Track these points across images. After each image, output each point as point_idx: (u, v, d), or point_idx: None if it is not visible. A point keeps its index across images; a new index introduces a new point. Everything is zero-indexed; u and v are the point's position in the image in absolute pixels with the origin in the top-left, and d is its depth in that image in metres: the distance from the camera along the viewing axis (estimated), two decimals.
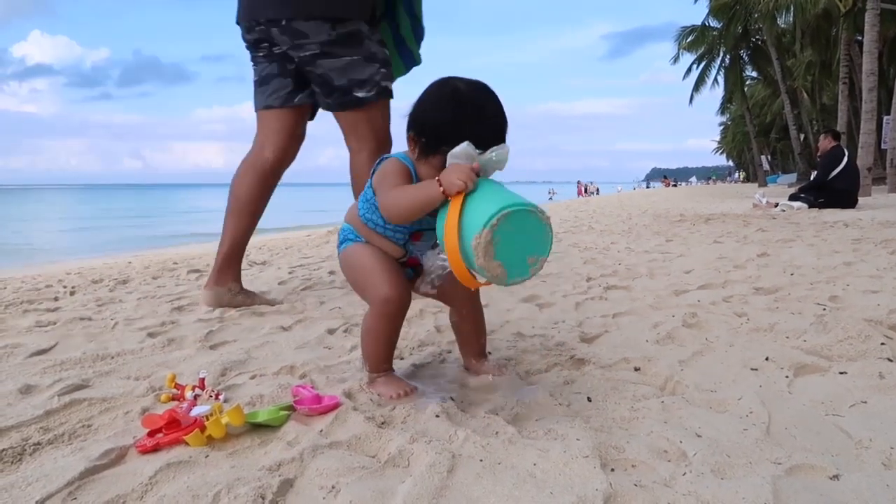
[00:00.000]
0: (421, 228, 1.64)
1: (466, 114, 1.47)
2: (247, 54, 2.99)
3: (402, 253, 1.68)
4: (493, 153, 1.44)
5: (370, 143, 2.82)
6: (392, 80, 2.91)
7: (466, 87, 1.51)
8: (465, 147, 1.42)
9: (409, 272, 1.73)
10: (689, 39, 35.60)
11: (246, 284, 3.76)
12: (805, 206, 9.27)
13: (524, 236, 1.33)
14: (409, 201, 1.47)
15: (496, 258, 1.30)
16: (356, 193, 3.04)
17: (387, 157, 1.63)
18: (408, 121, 1.56)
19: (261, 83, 2.90)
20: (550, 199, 43.05)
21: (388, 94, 2.84)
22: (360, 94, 2.73)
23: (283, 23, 2.67)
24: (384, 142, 2.86)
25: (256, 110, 2.97)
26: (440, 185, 1.40)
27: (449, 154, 1.44)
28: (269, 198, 3.02)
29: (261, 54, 2.86)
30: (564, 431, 1.34)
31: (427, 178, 1.52)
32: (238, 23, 2.89)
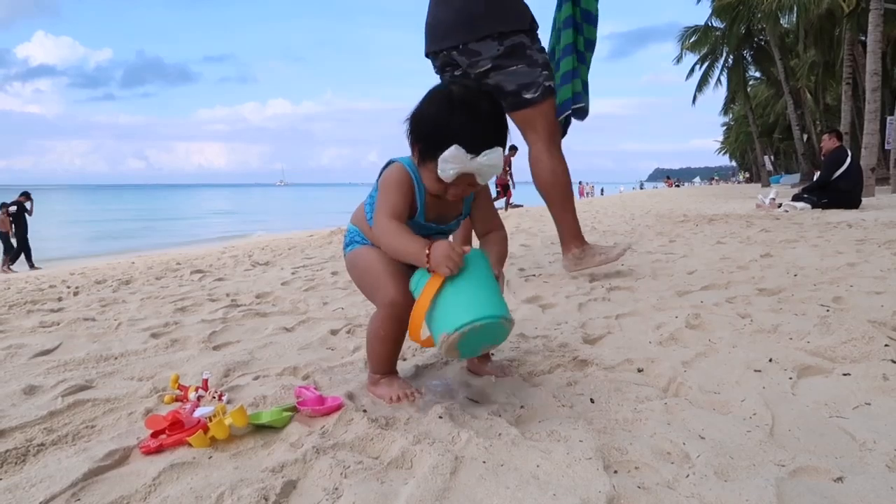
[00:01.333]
0: (429, 234, 1.64)
1: (458, 116, 1.46)
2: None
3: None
4: (484, 156, 1.45)
5: (543, 134, 3.33)
6: (553, 79, 3.35)
7: (460, 89, 1.51)
8: (453, 151, 1.43)
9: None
10: (691, 40, 35.52)
11: (249, 285, 3.77)
12: (808, 206, 9.25)
13: (486, 335, 1.43)
14: (396, 247, 1.50)
15: (457, 348, 1.41)
16: (537, 183, 3.41)
17: (393, 162, 1.62)
18: (409, 127, 1.56)
19: None
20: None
21: (552, 92, 3.32)
22: (528, 96, 3.22)
23: (461, 46, 3.22)
24: (554, 132, 3.36)
25: None
26: (427, 259, 1.42)
27: (440, 159, 1.44)
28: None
29: (447, 76, 3.42)
30: (567, 433, 1.34)
31: (428, 182, 1.54)
32: (427, 55, 3.45)
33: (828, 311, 2.34)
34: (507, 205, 17.51)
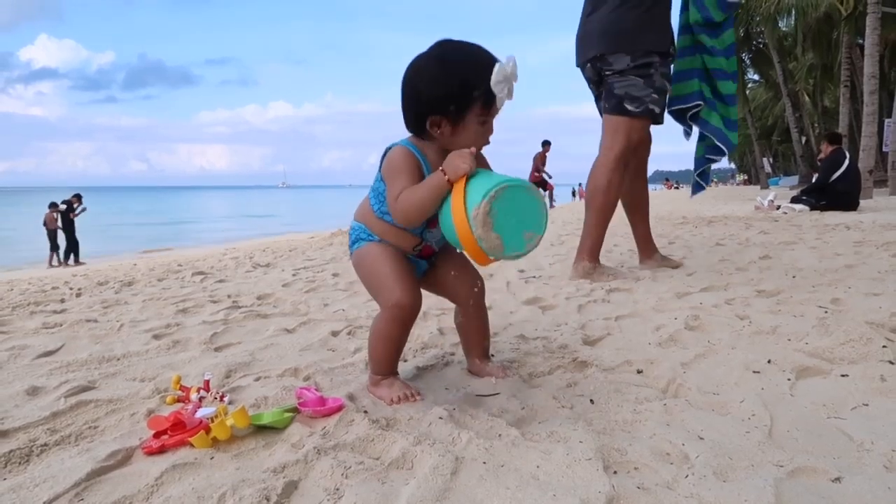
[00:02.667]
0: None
1: (469, 54, 1.50)
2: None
3: (418, 241, 1.67)
4: (509, 63, 1.47)
5: (619, 146, 3.48)
6: (663, 108, 3.56)
7: (441, 47, 1.53)
8: (500, 66, 1.44)
9: (423, 265, 1.74)
10: None
11: (249, 287, 3.78)
12: (807, 208, 9.26)
13: (520, 212, 1.41)
14: (419, 200, 1.49)
15: (494, 230, 1.37)
16: (588, 185, 3.59)
17: (393, 146, 1.61)
18: (419, 111, 1.53)
19: (598, 104, 3.73)
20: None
21: (652, 115, 3.50)
22: (629, 107, 3.44)
23: (599, 55, 3.50)
24: (629, 150, 3.51)
25: (604, 114, 3.65)
26: (444, 174, 1.44)
27: (493, 83, 1.44)
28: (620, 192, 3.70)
29: (591, 85, 3.73)
30: (567, 434, 1.35)
31: (471, 137, 1.53)
32: (577, 66, 3.75)
33: (826, 312, 2.35)
34: (551, 200, 17.44)
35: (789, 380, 1.67)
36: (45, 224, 14.68)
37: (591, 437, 1.32)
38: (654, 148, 3.93)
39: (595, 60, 3.54)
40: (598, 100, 3.74)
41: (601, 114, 3.68)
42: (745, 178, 69.41)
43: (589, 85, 3.78)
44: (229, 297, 3.45)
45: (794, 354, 1.87)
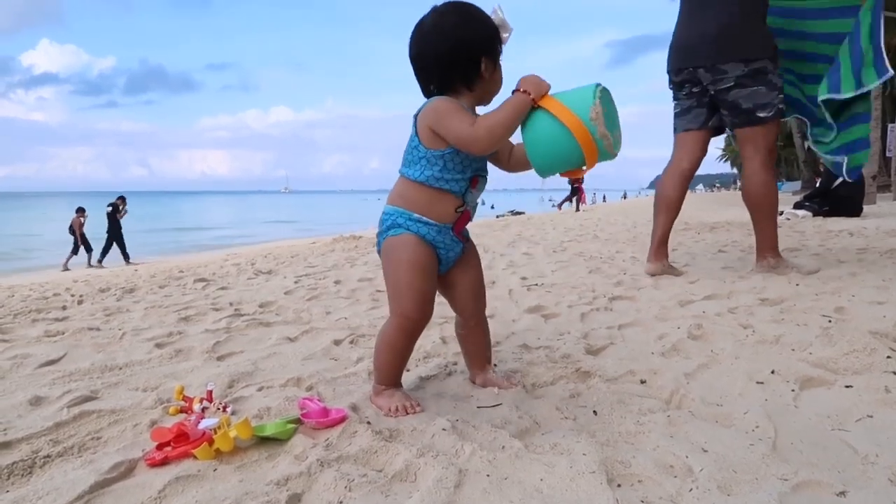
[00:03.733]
0: (477, 173, 1.64)
1: (471, 14, 1.60)
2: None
3: (461, 203, 1.64)
4: (497, 8, 1.60)
5: (763, 151, 3.59)
6: (783, 102, 3.62)
7: (451, 5, 1.61)
8: (496, 17, 1.59)
9: (457, 250, 1.72)
10: None
11: (252, 294, 3.78)
12: (809, 214, 9.25)
13: (612, 111, 1.52)
14: (504, 119, 1.50)
15: (608, 128, 1.46)
16: (748, 195, 3.68)
17: (423, 107, 1.59)
18: (471, 55, 1.57)
19: (682, 113, 3.82)
20: (554, 206, 43.10)
21: (782, 114, 3.66)
22: (761, 115, 3.50)
23: (710, 65, 3.53)
24: (772, 151, 3.63)
25: (676, 133, 3.87)
26: (527, 94, 1.49)
27: (499, 25, 1.59)
28: (684, 197, 3.96)
29: (683, 93, 3.77)
30: (571, 446, 1.34)
31: (500, 82, 1.64)
32: (668, 71, 3.82)
33: (830, 321, 2.34)
34: (570, 205, 17.31)
35: (793, 391, 1.67)
36: (71, 228, 14.92)
37: (594, 450, 1.32)
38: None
39: (700, 68, 3.58)
40: (685, 111, 3.79)
41: (681, 127, 3.81)
42: None
43: (678, 92, 3.81)
44: (231, 304, 3.45)
45: (798, 365, 1.86)
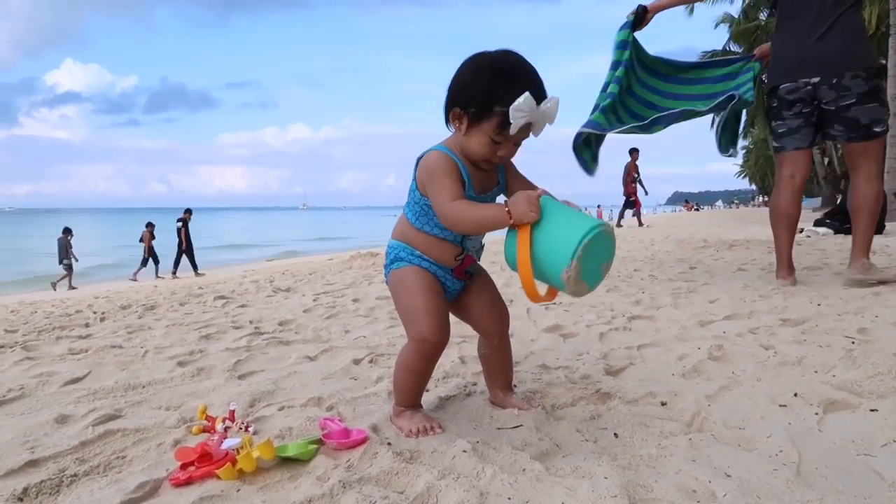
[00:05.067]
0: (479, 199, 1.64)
1: (514, 73, 1.51)
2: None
3: (460, 251, 1.68)
4: (547, 104, 1.49)
5: (876, 163, 3.80)
6: None
7: (501, 54, 1.56)
8: (527, 97, 1.45)
9: (458, 286, 1.74)
10: None
11: (271, 312, 3.81)
12: (831, 232, 9.14)
13: (598, 251, 1.45)
14: (475, 221, 1.51)
15: (582, 279, 1.42)
16: (859, 201, 3.78)
17: (428, 151, 1.61)
18: (449, 99, 1.57)
19: (791, 132, 3.89)
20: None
21: (888, 129, 3.83)
22: (877, 129, 3.68)
23: (835, 81, 3.63)
24: (882, 162, 3.92)
25: (785, 151, 3.95)
26: (509, 216, 1.44)
27: (512, 108, 1.45)
28: (800, 209, 4.11)
29: (792, 112, 3.85)
30: (592, 469, 1.34)
31: (478, 147, 1.55)
32: (779, 85, 3.86)
33: (853, 343, 2.32)
34: (622, 216, 16.56)
35: (817, 414, 1.65)
36: (141, 241, 16.12)
37: (616, 473, 1.31)
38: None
39: (825, 86, 3.67)
40: (793, 130, 3.87)
41: (790, 146, 3.90)
42: (766, 199, 68.77)
43: (786, 111, 3.87)
44: (251, 322, 3.48)
45: (822, 387, 1.84)
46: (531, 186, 1.68)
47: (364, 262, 8.31)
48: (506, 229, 1.49)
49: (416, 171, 1.64)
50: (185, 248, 15.87)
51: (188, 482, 1.37)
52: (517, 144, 1.58)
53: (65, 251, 15.27)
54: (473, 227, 1.54)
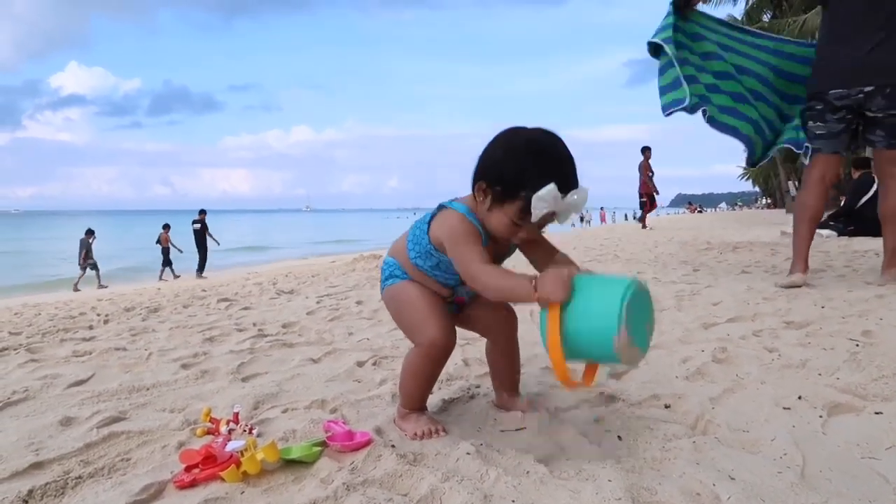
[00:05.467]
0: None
1: (545, 159, 1.46)
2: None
3: (450, 293, 1.70)
4: (574, 195, 1.45)
5: None
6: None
7: (539, 134, 1.51)
8: (551, 188, 1.40)
9: (453, 308, 1.75)
10: None
11: (274, 314, 3.82)
12: (834, 234, 9.13)
13: (640, 311, 1.36)
14: (499, 290, 1.46)
15: (634, 344, 1.32)
16: (890, 209, 3.92)
17: (446, 207, 1.60)
18: (478, 171, 1.53)
19: (830, 136, 3.93)
20: (587, 223, 43.08)
21: None
22: None
23: (888, 91, 3.70)
24: None
25: (821, 153, 3.97)
26: (535, 291, 1.36)
27: (535, 197, 1.41)
28: (824, 209, 4.18)
29: (836, 117, 3.88)
30: (596, 472, 1.34)
31: (497, 225, 1.51)
32: (828, 91, 3.88)
33: (857, 345, 2.31)
34: (643, 217, 16.12)
35: (821, 417, 1.65)
36: (158, 242, 16.46)
37: (620, 476, 1.31)
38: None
39: (878, 94, 3.72)
40: (833, 134, 3.91)
41: (827, 149, 3.94)
42: (769, 201, 68.73)
43: (831, 115, 3.90)
44: (255, 325, 3.49)
45: (826, 390, 1.84)
46: (551, 249, 1.64)
47: (367, 264, 8.31)
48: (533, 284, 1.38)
49: (433, 217, 1.62)
50: (201, 246, 16.28)
51: (192, 484, 1.38)
52: (541, 227, 1.54)
53: (84, 252, 15.55)
54: (496, 295, 1.49)
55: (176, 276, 15.80)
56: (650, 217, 16.56)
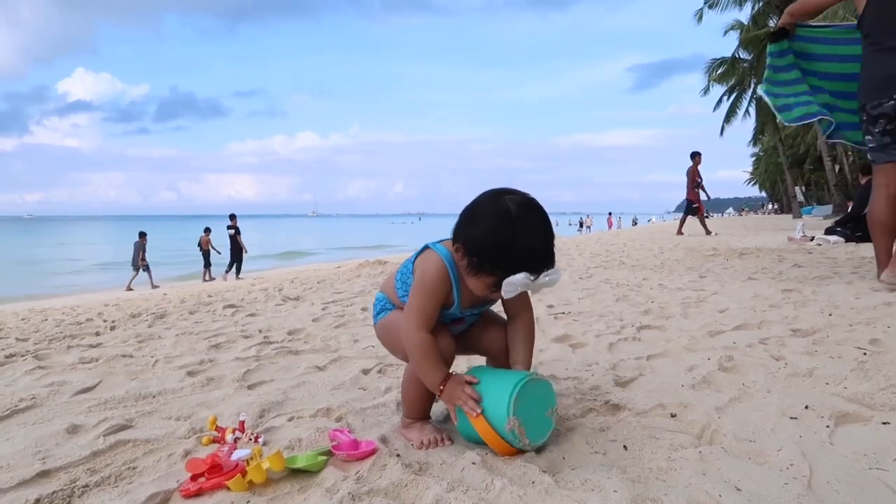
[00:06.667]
0: (462, 316, 1.71)
1: (518, 248, 1.46)
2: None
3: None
4: (546, 277, 1.50)
5: None
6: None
7: (517, 208, 1.49)
8: (522, 277, 1.46)
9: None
10: (719, 71, 35.44)
11: (280, 321, 3.82)
12: (842, 240, 9.09)
13: (535, 403, 1.53)
14: (417, 365, 1.60)
15: (526, 435, 1.50)
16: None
17: (430, 248, 1.65)
18: (457, 233, 1.55)
19: (883, 147, 4.02)
20: (587, 228, 43.00)
21: None
22: None
23: None
24: None
25: (878, 164, 4.12)
26: (440, 393, 1.57)
27: (506, 282, 1.46)
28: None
29: (877, 129, 3.99)
30: (601, 482, 1.33)
31: (474, 289, 1.56)
32: (865, 103, 4.00)
33: (865, 354, 2.30)
34: (683, 222, 15.60)
35: (828, 427, 1.64)
36: (199, 245, 17.34)
37: (625, 486, 1.31)
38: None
39: None
40: (884, 146, 4.00)
41: (881, 160, 4.06)
42: (776, 206, 68.48)
43: (871, 127, 4.03)
44: (260, 331, 3.50)
45: (833, 399, 1.83)
46: (525, 304, 1.74)
47: (372, 270, 8.32)
48: None
49: (415, 259, 1.69)
50: (238, 251, 16.95)
51: (199, 493, 1.38)
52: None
53: (139, 254, 16.17)
54: (413, 366, 1.62)
55: (212, 279, 16.65)
56: (656, 222, 16.25)
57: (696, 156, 14.94)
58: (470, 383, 1.57)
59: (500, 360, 1.79)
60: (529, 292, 1.58)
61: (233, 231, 17.00)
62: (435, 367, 1.57)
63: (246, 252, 17.41)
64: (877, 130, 3.99)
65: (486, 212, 1.51)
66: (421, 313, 1.58)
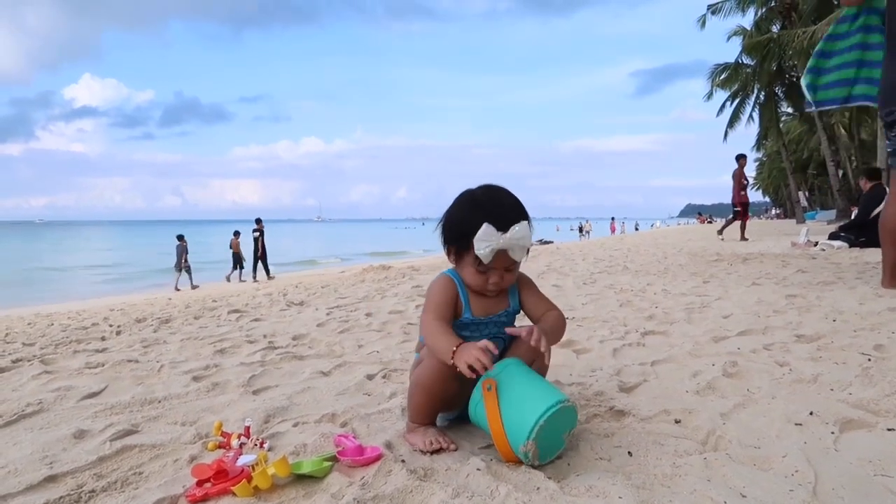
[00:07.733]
0: (480, 327, 1.74)
1: (479, 206, 1.61)
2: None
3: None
4: (513, 230, 1.56)
5: None
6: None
7: (479, 188, 1.70)
8: (485, 228, 1.55)
9: None
10: (722, 77, 35.39)
11: (285, 326, 3.83)
12: (845, 245, 9.07)
13: (558, 425, 1.50)
14: (432, 343, 1.62)
15: (539, 455, 1.48)
16: None
17: (445, 273, 1.78)
18: (441, 236, 1.72)
19: None
20: (587, 234, 42.97)
21: None
22: None
23: None
24: None
25: (893, 169, 4.21)
26: (452, 356, 1.52)
27: (474, 239, 1.56)
28: None
29: (893, 133, 4.07)
30: (606, 488, 1.34)
31: (469, 279, 1.68)
32: (879, 109, 4.18)
33: (869, 360, 2.30)
34: (728, 224, 15.23)
35: (833, 433, 1.64)
36: (231, 247, 18.06)
37: (630, 493, 1.31)
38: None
39: None
40: None
41: (893, 166, 4.19)
42: (779, 211, 68.38)
43: (889, 132, 4.12)
44: (265, 337, 3.50)
45: (838, 406, 1.83)
46: (547, 304, 1.81)
47: (376, 275, 8.33)
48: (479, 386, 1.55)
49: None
50: (261, 254, 17.54)
51: (204, 499, 1.38)
52: (509, 271, 1.66)
53: (183, 256, 16.68)
54: (429, 346, 1.65)
55: (242, 281, 17.20)
56: (660, 227, 16.04)
57: (741, 158, 14.24)
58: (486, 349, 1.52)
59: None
60: (523, 260, 1.65)
61: (258, 234, 17.67)
62: (448, 337, 1.59)
63: (245, 261, 17.86)
64: (893, 134, 4.05)
65: (453, 205, 1.71)
66: (432, 306, 1.68)
